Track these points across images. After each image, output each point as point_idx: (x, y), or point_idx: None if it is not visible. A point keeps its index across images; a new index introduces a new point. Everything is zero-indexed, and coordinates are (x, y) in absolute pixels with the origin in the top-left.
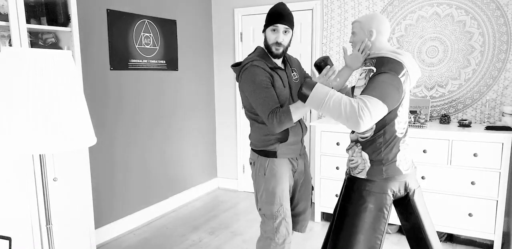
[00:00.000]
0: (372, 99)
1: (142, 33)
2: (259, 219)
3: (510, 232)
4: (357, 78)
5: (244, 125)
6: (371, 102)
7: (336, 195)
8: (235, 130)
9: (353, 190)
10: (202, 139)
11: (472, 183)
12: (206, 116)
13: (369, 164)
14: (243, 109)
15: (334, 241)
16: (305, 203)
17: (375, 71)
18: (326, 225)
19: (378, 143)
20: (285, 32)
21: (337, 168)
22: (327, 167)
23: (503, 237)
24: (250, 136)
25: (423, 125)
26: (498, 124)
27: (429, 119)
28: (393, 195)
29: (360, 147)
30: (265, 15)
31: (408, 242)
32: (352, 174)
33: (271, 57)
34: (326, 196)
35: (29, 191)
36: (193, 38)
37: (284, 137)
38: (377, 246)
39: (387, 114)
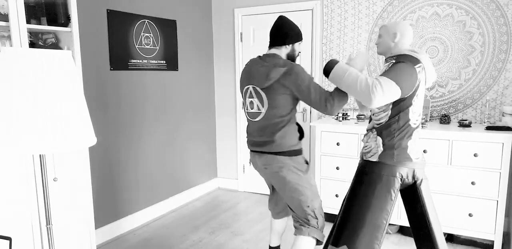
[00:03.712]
0: (386, 79)
1: (142, 33)
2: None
3: (510, 232)
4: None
5: (244, 124)
6: (385, 81)
7: (337, 195)
8: (235, 130)
9: (364, 173)
10: (202, 139)
11: (472, 183)
12: (206, 116)
13: (381, 149)
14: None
15: (344, 220)
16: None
17: (394, 61)
18: (326, 225)
19: (392, 128)
20: None
21: (337, 168)
22: (327, 167)
23: (503, 237)
24: (278, 139)
25: (423, 125)
26: (498, 124)
27: (429, 119)
28: (401, 179)
29: (376, 132)
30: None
31: (412, 232)
32: (365, 158)
33: None
34: (326, 196)
35: (29, 191)
36: (193, 38)
37: (301, 134)
38: (383, 225)
39: (403, 100)
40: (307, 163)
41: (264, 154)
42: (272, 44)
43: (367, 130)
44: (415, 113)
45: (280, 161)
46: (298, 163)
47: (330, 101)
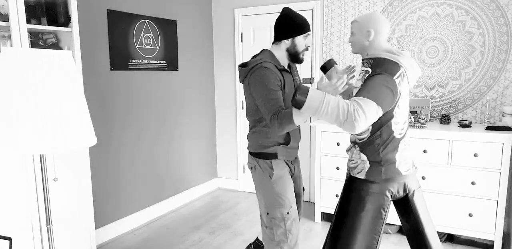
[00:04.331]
0: (366, 101)
1: (142, 33)
2: (259, 219)
3: (510, 232)
4: (356, 79)
5: (244, 125)
6: (366, 104)
7: (337, 195)
8: (235, 130)
9: (351, 190)
10: (202, 139)
11: (472, 183)
12: (206, 116)
13: (368, 165)
14: (244, 110)
15: (333, 241)
16: (298, 209)
17: (370, 72)
18: (326, 225)
19: (376, 144)
20: None
21: (337, 168)
22: (327, 167)
23: (503, 238)
24: (249, 139)
25: (423, 125)
26: (499, 124)
27: (429, 119)
28: (391, 196)
29: (358, 148)
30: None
31: (409, 242)
32: (352, 174)
33: (279, 60)
34: (326, 196)
35: (30, 191)
36: (193, 38)
37: (286, 141)
38: (374, 246)
39: (383, 115)
40: (272, 169)
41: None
42: (274, 40)
43: (350, 141)
44: (398, 123)
45: (251, 161)
46: (264, 168)
47: (275, 122)
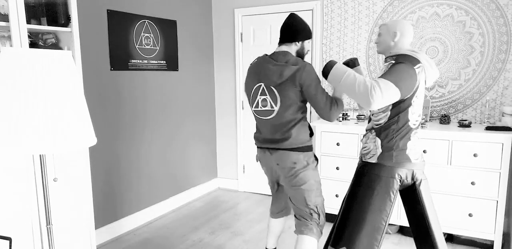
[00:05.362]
0: (385, 81)
1: (142, 34)
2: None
3: (510, 232)
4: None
5: (244, 125)
6: (384, 83)
7: (337, 195)
8: (235, 130)
9: (363, 174)
10: (202, 140)
11: (472, 183)
12: (206, 116)
13: (380, 150)
14: (243, 110)
15: (343, 221)
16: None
17: (394, 62)
18: (327, 225)
19: (391, 129)
20: None
21: (337, 168)
22: (328, 167)
23: (503, 237)
24: (291, 136)
25: (423, 125)
26: (498, 124)
27: (429, 119)
28: (400, 180)
29: (374, 133)
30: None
31: (412, 232)
32: (364, 160)
33: None
34: (327, 196)
35: (30, 191)
36: (193, 38)
37: (311, 131)
38: (382, 226)
39: (402, 101)
40: (316, 159)
41: (277, 150)
42: (282, 41)
43: (366, 130)
44: (414, 113)
45: (293, 157)
46: (309, 159)
47: (335, 105)
